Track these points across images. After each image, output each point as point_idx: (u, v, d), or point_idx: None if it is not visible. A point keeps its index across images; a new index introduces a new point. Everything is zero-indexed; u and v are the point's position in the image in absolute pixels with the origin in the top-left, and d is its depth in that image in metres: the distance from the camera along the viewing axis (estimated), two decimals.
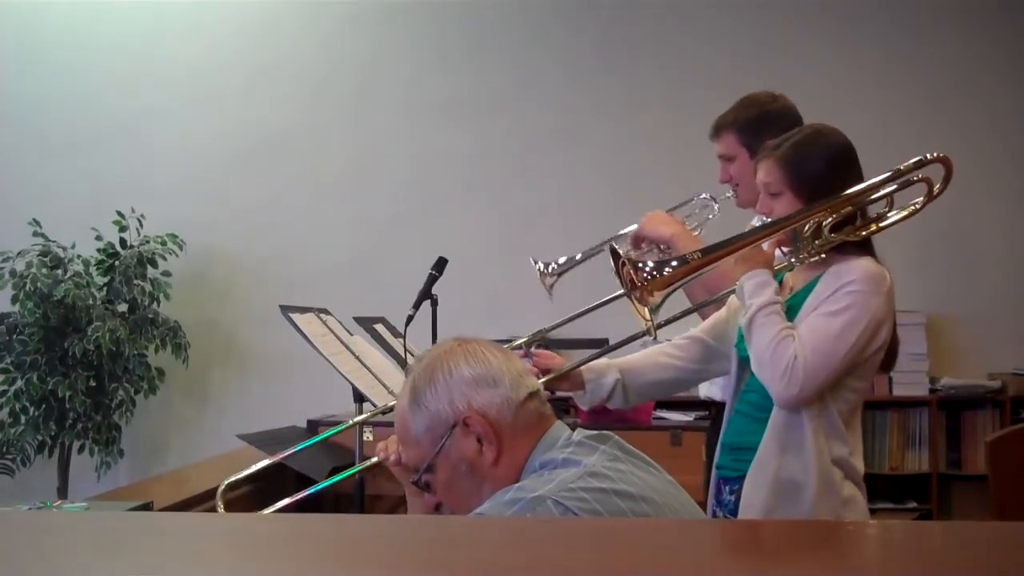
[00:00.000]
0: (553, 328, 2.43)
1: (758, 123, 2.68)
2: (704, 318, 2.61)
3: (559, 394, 4.23)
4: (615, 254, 2.11)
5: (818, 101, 4.61)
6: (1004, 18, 4.91)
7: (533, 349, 2.33)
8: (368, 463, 2.20)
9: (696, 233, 2.69)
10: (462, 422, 1.55)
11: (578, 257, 2.76)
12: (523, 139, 5.08)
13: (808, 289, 2.13)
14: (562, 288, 2.75)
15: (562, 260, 2.77)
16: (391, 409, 2.56)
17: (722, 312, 2.37)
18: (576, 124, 5.05)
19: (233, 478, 2.16)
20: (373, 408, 2.76)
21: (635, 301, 2.04)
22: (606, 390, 2.33)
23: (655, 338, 2.09)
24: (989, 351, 4.81)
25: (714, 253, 2.07)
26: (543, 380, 2.25)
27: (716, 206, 2.79)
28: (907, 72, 4.93)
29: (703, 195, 2.83)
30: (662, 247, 2.53)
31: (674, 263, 2.02)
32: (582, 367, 2.33)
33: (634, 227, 2.64)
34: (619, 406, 2.39)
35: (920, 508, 4.65)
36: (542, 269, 2.74)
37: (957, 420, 4.74)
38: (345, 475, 2.20)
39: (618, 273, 2.08)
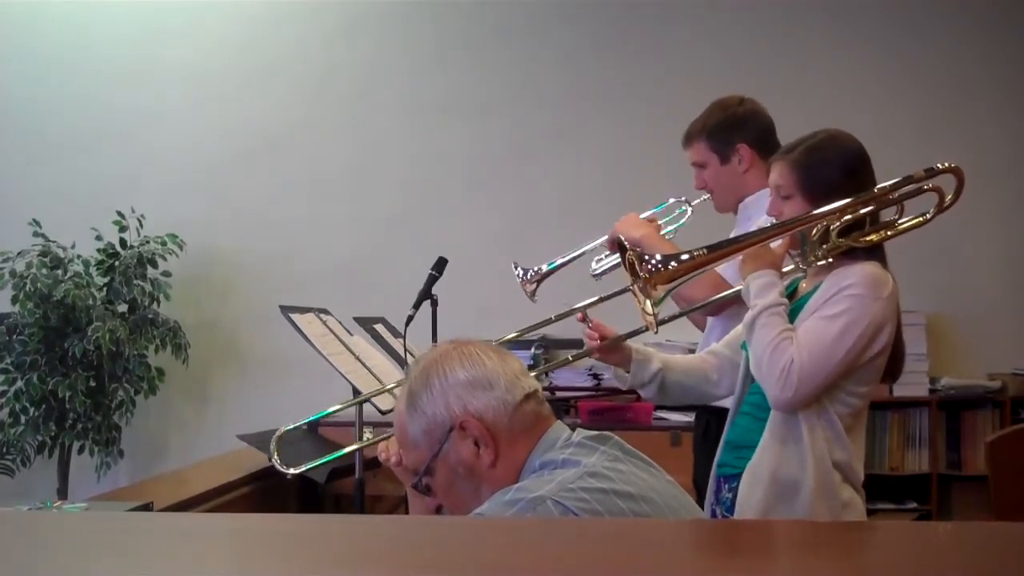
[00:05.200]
0: (587, 306, 2.40)
1: (726, 127, 2.71)
2: (695, 325, 2.63)
3: (558, 394, 4.23)
4: (622, 247, 2.12)
5: (818, 102, 4.66)
6: (1003, 18, 4.91)
7: (588, 317, 2.35)
8: (352, 447, 2.22)
9: (669, 237, 2.72)
10: (458, 426, 1.55)
11: (559, 262, 2.77)
12: (523, 139, 5.08)
13: (814, 293, 2.13)
14: (569, 289, 2.74)
15: (535, 268, 2.78)
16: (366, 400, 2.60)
17: (740, 327, 2.38)
18: (576, 124, 5.05)
19: (291, 427, 2.37)
20: (374, 408, 2.77)
21: (638, 294, 2.04)
22: (648, 375, 2.36)
23: (656, 332, 2.11)
24: (989, 351, 4.81)
25: (720, 251, 2.07)
26: (600, 344, 2.31)
27: (689, 209, 2.83)
28: (906, 72, 4.92)
29: (681, 198, 2.85)
30: (636, 249, 2.55)
31: (683, 256, 2.03)
32: (633, 347, 2.36)
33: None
34: (651, 396, 2.41)
35: (920, 508, 4.65)
36: (522, 276, 2.75)
37: (957, 420, 4.73)
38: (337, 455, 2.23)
39: (625, 266, 2.09)
